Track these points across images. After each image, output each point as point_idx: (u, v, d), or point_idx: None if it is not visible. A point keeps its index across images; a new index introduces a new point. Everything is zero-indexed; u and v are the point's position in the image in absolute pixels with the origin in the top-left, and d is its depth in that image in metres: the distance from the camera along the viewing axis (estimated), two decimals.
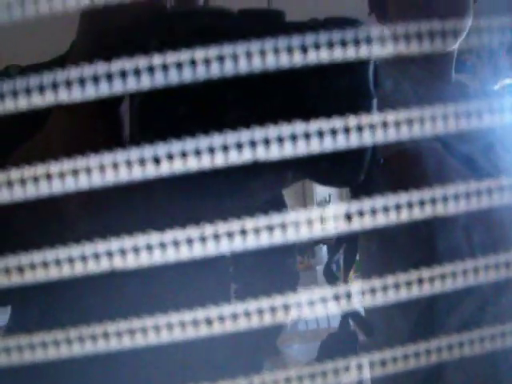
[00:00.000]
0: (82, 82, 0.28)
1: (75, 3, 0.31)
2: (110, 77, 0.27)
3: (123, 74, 0.27)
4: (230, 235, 0.30)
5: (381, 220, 0.34)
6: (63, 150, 0.32)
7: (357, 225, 0.33)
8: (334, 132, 0.28)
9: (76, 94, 0.28)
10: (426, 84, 1.02)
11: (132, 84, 0.27)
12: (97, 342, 0.35)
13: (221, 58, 0.27)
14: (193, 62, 0.27)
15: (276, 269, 1.02)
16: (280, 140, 0.27)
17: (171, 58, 0.28)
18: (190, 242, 0.30)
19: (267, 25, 0.31)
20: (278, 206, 1.05)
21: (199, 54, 0.28)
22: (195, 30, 0.30)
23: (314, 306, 0.36)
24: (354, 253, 0.46)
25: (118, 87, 0.27)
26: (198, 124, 0.29)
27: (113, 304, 0.64)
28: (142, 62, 0.27)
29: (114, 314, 0.38)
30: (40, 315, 0.75)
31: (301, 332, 2.72)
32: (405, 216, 0.33)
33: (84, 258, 0.30)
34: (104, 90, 0.27)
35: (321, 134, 0.28)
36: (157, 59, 0.28)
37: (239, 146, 0.28)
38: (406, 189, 0.38)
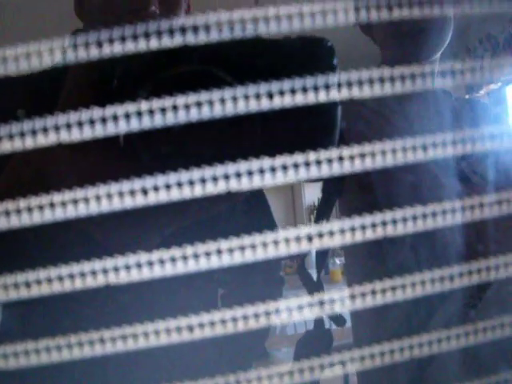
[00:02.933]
0: (92, 122, 0.32)
1: (50, 62, 0.36)
2: (116, 118, 0.32)
3: (128, 116, 0.32)
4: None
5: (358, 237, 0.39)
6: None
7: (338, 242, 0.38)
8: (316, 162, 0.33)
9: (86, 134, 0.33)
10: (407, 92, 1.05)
11: (135, 125, 0.32)
12: (86, 348, 0.40)
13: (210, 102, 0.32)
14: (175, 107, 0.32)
15: (261, 275, 1.06)
16: (261, 172, 0.32)
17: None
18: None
19: (246, 43, 0.35)
20: (259, 203, 1.08)
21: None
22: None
23: (294, 312, 0.40)
24: (326, 253, 0.51)
25: (123, 127, 0.32)
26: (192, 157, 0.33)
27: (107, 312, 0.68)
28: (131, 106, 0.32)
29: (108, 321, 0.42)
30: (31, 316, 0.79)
31: (289, 336, 2.77)
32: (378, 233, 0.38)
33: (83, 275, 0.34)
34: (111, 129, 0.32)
35: (296, 166, 0.33)
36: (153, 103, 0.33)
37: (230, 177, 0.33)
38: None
